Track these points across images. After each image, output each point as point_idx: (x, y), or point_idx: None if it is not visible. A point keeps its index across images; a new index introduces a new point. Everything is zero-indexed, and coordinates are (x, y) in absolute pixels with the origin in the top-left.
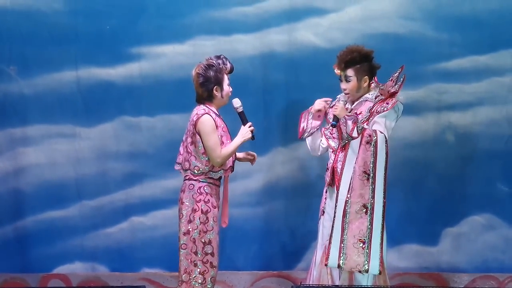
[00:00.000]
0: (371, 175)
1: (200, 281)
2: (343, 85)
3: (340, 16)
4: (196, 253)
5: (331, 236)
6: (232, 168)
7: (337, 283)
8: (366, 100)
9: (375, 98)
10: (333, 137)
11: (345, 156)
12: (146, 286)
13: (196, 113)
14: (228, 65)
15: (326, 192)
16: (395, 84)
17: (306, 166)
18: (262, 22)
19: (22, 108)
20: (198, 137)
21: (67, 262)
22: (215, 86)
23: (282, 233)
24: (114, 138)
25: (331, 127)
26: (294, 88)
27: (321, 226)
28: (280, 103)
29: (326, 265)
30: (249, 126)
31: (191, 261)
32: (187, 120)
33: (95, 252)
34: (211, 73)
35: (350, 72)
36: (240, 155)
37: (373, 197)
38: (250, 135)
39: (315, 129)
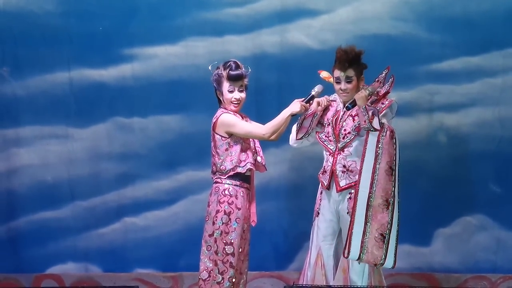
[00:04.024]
0: (394, 170)
1: (218, 280)
2: (343, 86)
3: (332, 17)
4: (216, 252)
5: (351, 229)
6: (250, 169)
7: (331, 283)
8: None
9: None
10: (330, 140)
11: (364, 151)
12: (139, 286)
13: (215, 116)
14: (228, 71)
15: (321, 193)
16: (383, 85)
17: (298, 167)
18: (253, 23)
19: (14, 109)
20: (217, 137)
21: (60, 262)
22: (217, 91)
23: (274, 233)
24: (107, 139)
25: (345, 109)
26: (286, 89)
27: (315, 227)
28: (272, 104)
29: (346, 257)
30: (304, 102)
31: (212, 260)
32: (179, 121)
33: (88, 253)
34: (213, 77)
35: (351, 72)
36: None
37: (393, 191)
38: (298, 109)
39: (312, 130)
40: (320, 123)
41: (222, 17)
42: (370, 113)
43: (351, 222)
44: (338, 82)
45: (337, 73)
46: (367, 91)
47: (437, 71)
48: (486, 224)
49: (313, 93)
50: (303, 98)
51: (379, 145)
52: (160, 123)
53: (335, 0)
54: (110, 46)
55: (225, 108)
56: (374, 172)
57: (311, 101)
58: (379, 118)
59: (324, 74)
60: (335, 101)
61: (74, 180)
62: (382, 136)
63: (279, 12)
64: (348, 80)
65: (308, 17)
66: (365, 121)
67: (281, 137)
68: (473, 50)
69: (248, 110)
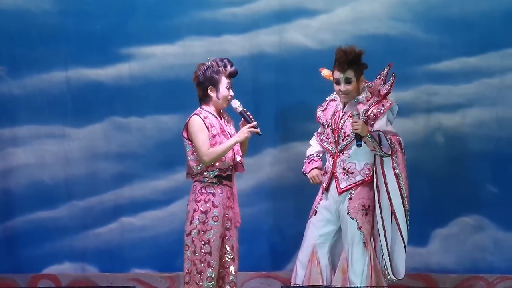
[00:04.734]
0: (408, 179)
1: (197, 280)
2: (343, 87)
3: (330, 17)
4: (194, 252)
5: (392, 248)
6: (231, 168)
7: (325, 283)
8: (359, 102)
9: (367, 100)
10: (330, 142)
11: (382, 168)
12: (135, 287)
13: (189, 116)
14: (228, 69)
15: (322, 193)
16: (385, 83)
17: (295, 167)
18: (251, 23)
19: (11, 109)
20: (186, 139)
21: (56, 262)
22: (210, 87)
23: (271, 233)
24: (104, 139)
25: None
26: (284, 89)
27: (311, 225)
28: (270, 104)
29: (399, 278)
30: (250, 127)
31: (191, 261)
32: (177, 121)
33: (85, 253)
34: (208, 73)
35: (350, 73)
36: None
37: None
38: (244, 135)
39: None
40: (321, 124)
41: (220, 16)
42: (377, 139)
43: (404, 244)
44: (338, 83)
45: (337, 74)
46: (356, 116)
47: (435, 71)
48: (483, 224)
49: (240, 109)
50: (240, 122)
51: (395, 165)
52: (157, 122)
53: (333, 0)
54: (107, 45)
55: (205, 107)
56: (400, 190)
57: (246, 116)
58: (387, 140)
59: (325, 72)
60: (335, 100)
61: (71, 180)
62: (395, 156)
63: (277, 12)
64: (348, 81)
65: (306, 17)
66: (374, 147)
67: (279, 137)
68: (471, 50)
69: None
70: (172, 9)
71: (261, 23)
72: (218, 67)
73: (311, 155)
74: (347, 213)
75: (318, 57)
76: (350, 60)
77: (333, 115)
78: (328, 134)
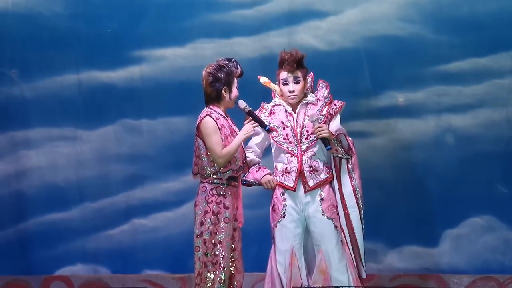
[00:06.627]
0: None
1: (208, 282)
2: (291, 87)
3: (340, 18)
4: (206, 254)
5: (358, 250)
6: (242, 168)
7: (304, 283)
8: (309, 103)
9: (318, 101)
10: (290, 142)
11: (338, 169)
12: None
13: (199, 117)
14: (239, 69)
15: (283, 194)
16: (313, 91)
17: None
18: (262, 25)
19: (24, 111)
20: (200, 139)
21: (69, 264)
22: (224, 87)
23: None
24: (115, 141)
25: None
26: None
27: (283, 228)
28: None
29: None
30: (253, 123)
31: (202, 263)
32: (188, 123)
33: (97, 254)
34: (222, 74)
35: (299, 73)
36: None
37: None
38: (252, 132)
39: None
40: (267, 130)
41: (230, 18)
42: (340, 139)
43: (357, 244)
44: (286, 84)
45: (284, 75)
46: (316, 122)
47: (445, 72)
48: (494, 224)
49: (247, 110)
50: (248, 120)
51: (350, 166)
52: (168, 124)
53: (342, 1)
54: (118, 48)
55: (214, 108)
56: (354, 190)
57: (255, 115)
58: (347, 141)
59: (263, 79)
60: (280, 105)
61: (82, 182)
62: (350, 158)
63: (287, 13)
64: (296, 81)
65: (315, 19)
66: (337, 150)
67: None
68: (481, 51)
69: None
70: (183, 12)
71: (271, 25)
72: (231, 67)
73: (256, 164)
74: (322, 214)
75: (327, 58)
76: (299, 60)
77: (287, 117)
78: (287, 135)
